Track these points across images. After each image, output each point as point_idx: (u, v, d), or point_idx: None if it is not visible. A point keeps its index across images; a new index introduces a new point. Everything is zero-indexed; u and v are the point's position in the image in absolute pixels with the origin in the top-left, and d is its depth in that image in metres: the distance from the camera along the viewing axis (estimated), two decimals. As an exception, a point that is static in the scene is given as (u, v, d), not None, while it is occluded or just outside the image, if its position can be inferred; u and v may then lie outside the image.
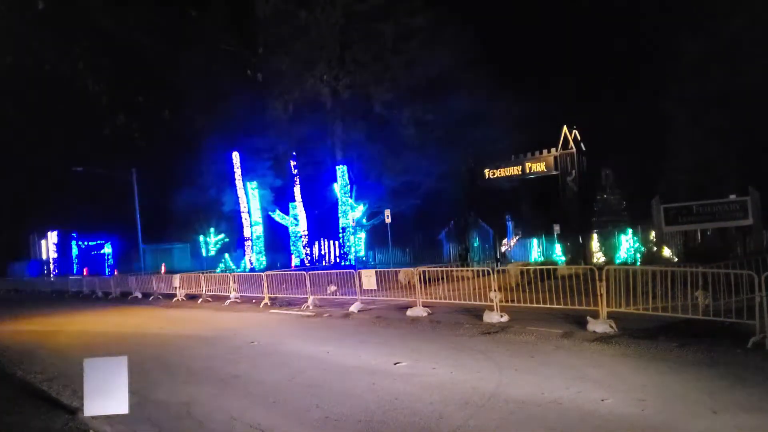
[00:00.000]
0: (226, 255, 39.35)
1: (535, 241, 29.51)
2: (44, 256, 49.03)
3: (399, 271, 17.29)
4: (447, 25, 26.26)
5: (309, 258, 37.21)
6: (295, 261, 36.87)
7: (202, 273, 23.44)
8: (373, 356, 9.81)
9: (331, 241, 38.56)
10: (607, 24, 30.97)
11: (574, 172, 23.22)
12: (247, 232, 37.33)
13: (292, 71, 27.49)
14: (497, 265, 21.33)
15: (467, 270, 17.32)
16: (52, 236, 47.89)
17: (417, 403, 6.95)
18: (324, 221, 37.49)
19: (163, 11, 37.86)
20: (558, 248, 27.19)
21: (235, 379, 8.84)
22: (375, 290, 15.89)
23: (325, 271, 18.63)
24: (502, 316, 12.23)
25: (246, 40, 30.72)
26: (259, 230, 37.47)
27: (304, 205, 37.08)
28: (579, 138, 23.50)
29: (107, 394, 5.97)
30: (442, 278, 16.26)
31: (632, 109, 31.24)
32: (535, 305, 12.23)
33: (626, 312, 10.50)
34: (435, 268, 17.77)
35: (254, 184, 36.87)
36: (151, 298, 24.24)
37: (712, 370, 7.70)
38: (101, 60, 42.13)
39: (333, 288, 17.67)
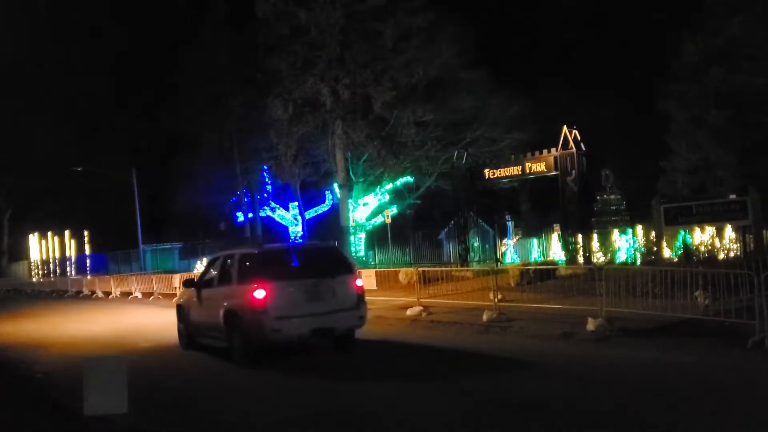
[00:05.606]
0: None
1: (535, 241, 29.45)
2: (44, 256, 48.98)
3: (399, 271, 17.30)
4: (447, 24, 26.24)
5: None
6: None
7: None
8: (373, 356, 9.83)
9: (331, 241, 38.50)
10: (608, 23, 31.02)
11: (574, 172, 23.12)
12: (247, 232, 37.29)
13: (292, 71, 27.42)
14: (497, 265, 21.30)
15: (467, 270, 17.32)
16: (52, 236, 47.79)
17: (418, 403, 6.96)
18: (324, 221, 37.44)
19: (163, 11, 37.94)
20: (558, 248, 27.14)
21: (235, 379, 8.86)
22: (375, 290, 15.90)
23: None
24: (501, 316, 12.22)
25: (246, 40, 30.67)
26: (259, 230, 37.42)
27: (304, 205, 37.04)
28: (579, 138, 23.44)
29: (107, 393, 5.98)
30: (442, 278, 16.24)
31: (632, 109, 31.24)
32: (534, 305, 12.23)
33: (626, 312, 10.48)
34: (435, 268, 17.75)
35: (254, 184, 36.83)
36: (151, 298, 24.25)
37: (711, 371, 7.70)
38: (101, 60, 42.22)
39: (333, 288, 17.61)
